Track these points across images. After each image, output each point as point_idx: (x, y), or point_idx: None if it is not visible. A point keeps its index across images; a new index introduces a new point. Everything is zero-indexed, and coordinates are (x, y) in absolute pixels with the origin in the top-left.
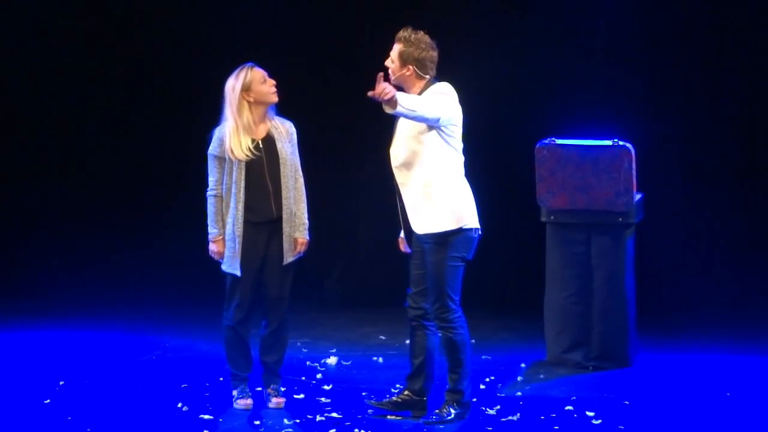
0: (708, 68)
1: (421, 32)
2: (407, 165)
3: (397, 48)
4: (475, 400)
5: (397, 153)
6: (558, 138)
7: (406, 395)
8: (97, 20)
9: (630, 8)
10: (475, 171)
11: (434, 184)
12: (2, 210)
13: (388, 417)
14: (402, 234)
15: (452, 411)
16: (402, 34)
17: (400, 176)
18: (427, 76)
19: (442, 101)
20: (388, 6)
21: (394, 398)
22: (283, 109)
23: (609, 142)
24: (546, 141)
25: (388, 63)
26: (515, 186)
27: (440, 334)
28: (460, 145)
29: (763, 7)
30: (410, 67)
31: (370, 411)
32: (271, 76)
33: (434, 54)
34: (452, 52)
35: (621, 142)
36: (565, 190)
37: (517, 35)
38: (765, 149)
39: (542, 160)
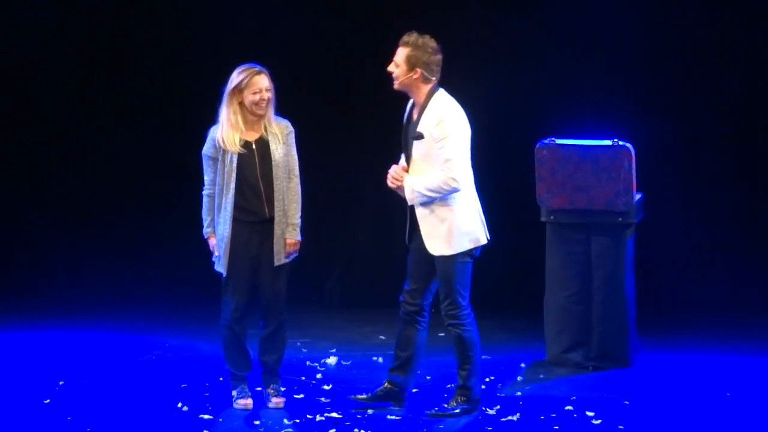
0: (708, 68)
1: (427, 36)
2: None
3: (403, 52)
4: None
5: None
6: (558, 138)
7: (387, 387)
8: (97, 20)
9: (630, 8)
10: (476, 171)
11: (449, 207)
12: (2, 210)
13: (369, 411)
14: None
15: (459, 406)
16: (408, 38)
17: None
18: (433, 79)
19: (454, 158)
20: (389, 8)
21: (376, 391)
22: (284, 110)
23: (609, 142)
24: (546, 141)
25: (391, 68)
26: (515, 186)
27: (451, 332)
28: (469, 158)
29: (763, 7)
30: (418, 70)
31: (370, 411)
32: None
33: (440, 58)
34: (452, 53)
35: (621, 142)
36: (565, 190)
37: (517, 35)
38: (765, 149)
39: (542, 160)
